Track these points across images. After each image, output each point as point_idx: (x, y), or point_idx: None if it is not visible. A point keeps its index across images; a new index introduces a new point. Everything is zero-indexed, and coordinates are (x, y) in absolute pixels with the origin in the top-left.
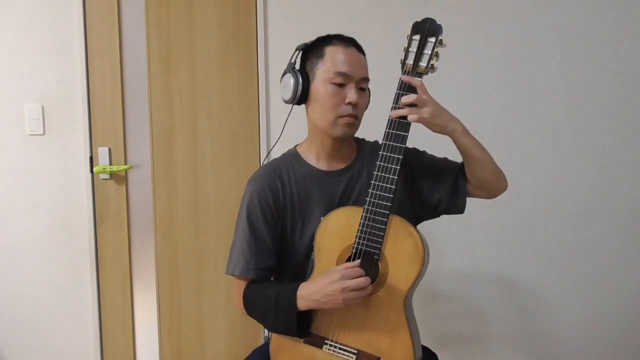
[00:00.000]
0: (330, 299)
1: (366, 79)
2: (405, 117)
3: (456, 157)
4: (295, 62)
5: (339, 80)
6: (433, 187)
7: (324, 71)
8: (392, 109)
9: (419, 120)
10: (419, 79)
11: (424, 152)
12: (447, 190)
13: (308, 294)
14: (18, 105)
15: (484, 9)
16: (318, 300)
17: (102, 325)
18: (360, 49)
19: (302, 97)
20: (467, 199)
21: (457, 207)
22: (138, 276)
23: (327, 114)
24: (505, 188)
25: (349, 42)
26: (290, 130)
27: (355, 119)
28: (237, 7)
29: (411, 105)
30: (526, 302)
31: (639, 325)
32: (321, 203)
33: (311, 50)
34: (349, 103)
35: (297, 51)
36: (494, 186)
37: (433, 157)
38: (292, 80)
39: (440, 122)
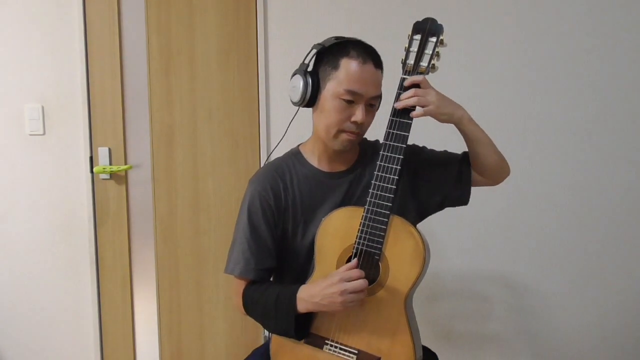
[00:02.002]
0: (329, 301)
1: (378, 97)
2: (409, 111)
3: (453, 149)
4: (308, 63)
5: (348, 97)
6: (438, 181)
7: (335, 84)
8: (393, 108)
9: (425, 113)
10: (420, 76)
11: (423, 147)
12: (452, 182)
13: (307, 296)
14: (18, 105)
15: (485, 8)
16: (317, 303)
17: (102, 325)
18: (377, 63)
19: (310, 101)
20: (470, 195)
21: (462, 199)
22: (138, 276)
23: (330, 128)
24: (508, 173)
25: (367, 56)
26: (292, 130)
27: (357, 136)
28: (237, 7)
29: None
30: (526, 302)
31: (639, 325)
32: (323, 204)
33: (327, 56)
34: (354, 122)
35: (313, 50)
36: (498, 172)
37: (433, 151)
38: (301, 84)
39: (447, 111)
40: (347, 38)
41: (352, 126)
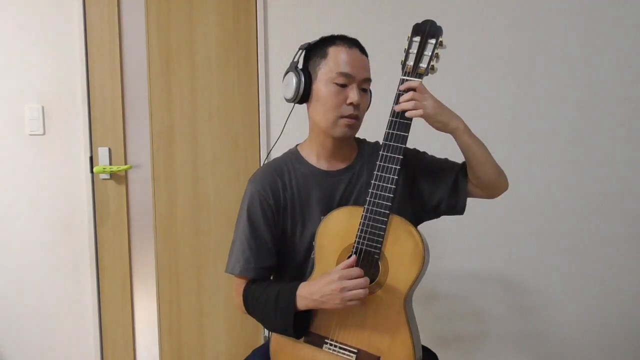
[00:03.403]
0: (328, 298)
1: (368, 80)
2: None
3: (456, 158)
4: (297, 61)
5: (341, 80)
6: (433, 187)
7: (326, 71)
8: (392, 109)
9: (420, 115)
10: (419, 79)
11: (424, 152)
12: (447, 191)
13: (307, 293)
14: (18, 105)
15: (485, 10)
16: (317, 300)
17: (102, 325)
18: (363, 50)
19: (304, 96)
20: (468, 199)
21: (457, 208)
22: (138, 276)
23: (328, 114)
24: (505, 188)
25: (352, 43)
26: (290, 130)
27: (356, 120)
28: (237, 7)
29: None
30: (526, 302)
31: (639, 325)
32: (321, 203)
33: (314, 50)
34: (350, 104)
35: (300, 50)
36: (495, 186)
37: (433, 157)
38: (294, 79)
39: (442, 119)
40: (330, 34)
41: (349, 109)
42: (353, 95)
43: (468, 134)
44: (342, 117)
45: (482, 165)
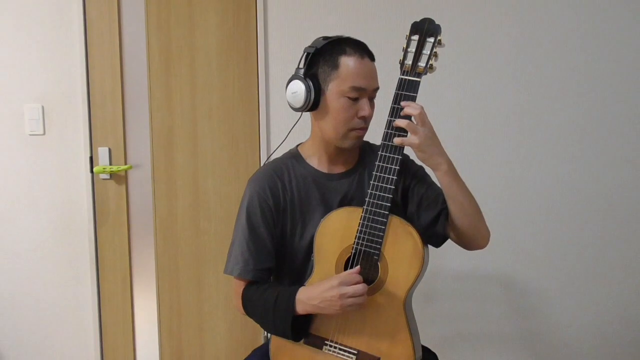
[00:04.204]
0: (328, 304)
1: (377, 89)
2: (401, 130)
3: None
4: (303, 67)
5: (353, 94)
6: (416, 211)
7: (338, 84)
8: (390, 109)
9: (404, 143)
10: (417, 105)
11: (428, 175)
12: (427, 221)
13: (307, 298)
14: (18, 105)
15: (484, 8)
16: (316, 305)
17: (102, 325)
18: (371, 57)
19: (312, 105)
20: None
21: (430, 241)
22: (138, 276)
23: (339, 127)
24: (482, 246)
25: (363, 51)
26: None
27: (365, 131)
28: (237, 7)
29: (407, 117)
30: (526, 302)
31: (639, 325)
32: (321, 205)
33: (322, 56)
34: (362, 116)
35: (306, 53)
36: (470, 238)
37: (433, 184)
38: (303, 88)
39: (428, 150)
40: (337, 37)
41: (360, 122)
42: (366, 108)
43: (451, 175)
44: (352, 129)
45: (459, 210)
